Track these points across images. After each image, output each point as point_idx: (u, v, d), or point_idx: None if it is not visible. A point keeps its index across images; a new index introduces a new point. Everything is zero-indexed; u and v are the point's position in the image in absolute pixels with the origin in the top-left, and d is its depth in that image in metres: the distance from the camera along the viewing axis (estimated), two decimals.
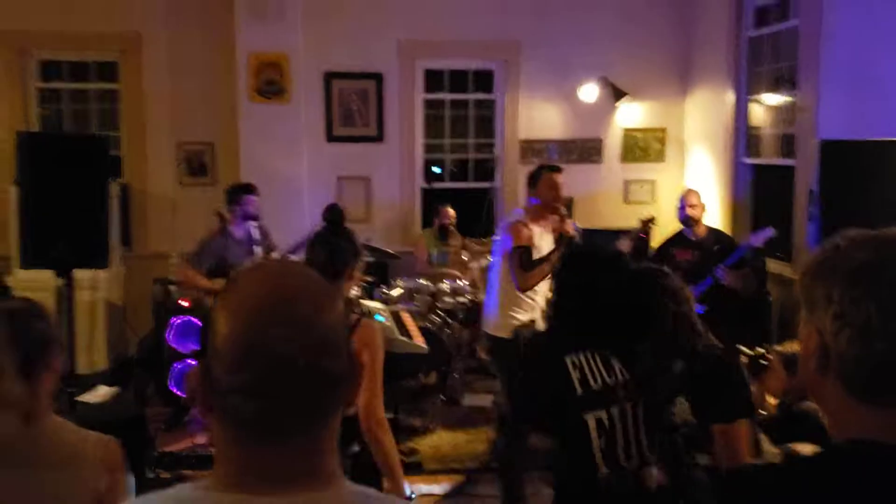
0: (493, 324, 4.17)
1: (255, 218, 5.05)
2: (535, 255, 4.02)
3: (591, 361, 2.24)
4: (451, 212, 6.25)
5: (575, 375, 2.21)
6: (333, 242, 2.52)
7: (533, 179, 4.20)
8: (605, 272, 2.28)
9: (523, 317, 4.06)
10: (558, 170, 4.21)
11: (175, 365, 5.31)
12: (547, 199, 4.12)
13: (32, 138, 4.92)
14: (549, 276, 3.84)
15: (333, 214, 2.46)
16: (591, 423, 2.21)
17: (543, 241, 4.12)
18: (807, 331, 1.02)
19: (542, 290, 4.08)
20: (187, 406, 4.95)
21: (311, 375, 0.87)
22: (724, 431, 2.13)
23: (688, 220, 5.10)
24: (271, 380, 0.86)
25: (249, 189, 5.05)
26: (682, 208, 5.13)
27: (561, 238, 4.07)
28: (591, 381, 2.22)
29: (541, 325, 4.07)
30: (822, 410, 1.07)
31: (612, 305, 2.21)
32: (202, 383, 0.90)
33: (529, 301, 4.08)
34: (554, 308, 2.42)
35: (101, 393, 4.97)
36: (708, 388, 2.18)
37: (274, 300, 0.89)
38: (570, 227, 4.07)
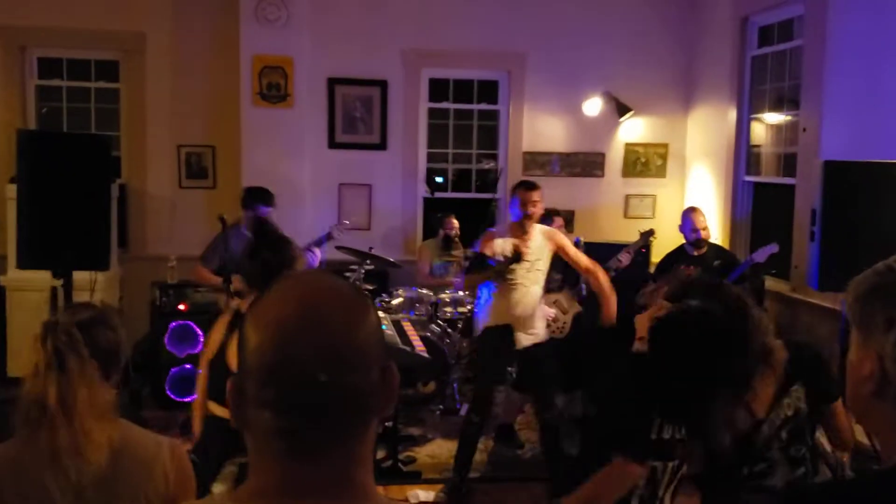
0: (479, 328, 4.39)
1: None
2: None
3: None
4: (456, 222, 6.22)
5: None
6: (263, 254, 2.51)
7: (511, 195, 4.28)
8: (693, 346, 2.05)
9: (499, 321, 4.22)
10: (530, 186, 4.20)
11: (172, 369, 5.27)
12: (519, 216, 4.17)
13: (33, 136, 4.86)
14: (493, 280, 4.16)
15: (262, 230, 2.36)
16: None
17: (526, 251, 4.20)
18: (862, 354, 1.00)
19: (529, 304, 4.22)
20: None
21: (339, 391, 0.85)
22: (836, 411, 2.19)
23: (699, 242, 5.13)
24: (298, 395, 0.84)
25: (267, 200, 5.01)
26: (691, 230, 5.15)
27: (513, 254, 4.11)
28: (664, 429, 2.17)
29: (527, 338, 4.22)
30: (870, 431, 1.05)
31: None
32: (235, 397, 0.89)
33: (511, 311, 4.19)
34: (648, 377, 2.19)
35: None
36: (815, 371, 2.22)
37: (301, 314, 0.87)
38: (524, 248, 4.13)
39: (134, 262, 6.31)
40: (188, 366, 5.18)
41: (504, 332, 4.18)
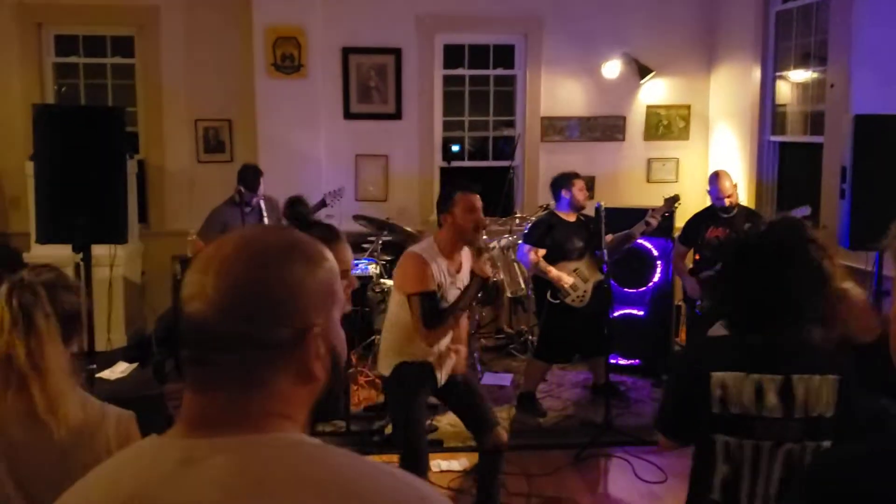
0: (381, 363, 3.48)
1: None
2: (451, 295, 3.32)
3: None
4: None
5: None
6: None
7: (444, 202, 3.40)
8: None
9: (415, 358, 3.34)
10: (476, 191, 3.42)
11: None
12: (464, 227, 3.32)
13: (48, 111, 4.85)
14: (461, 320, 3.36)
15: (296, 210, 2.12)
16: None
17: (457, 278, 3.37)
18: None
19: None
20: None
21: (230, 335, 0.87)
22: None
23: (727, 209, 5.02)
24: (193, 335, 0.89)
25: (253, 186, 5.14)
26: (717, 196, 5.02)
27: (473, 278, 3.31)
28: None
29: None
30: None
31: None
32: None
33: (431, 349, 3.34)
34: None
35: (120, 370, 4.97)
36: None
37: (210, 259, 0.90)
38: (487, 267, 3.31)
39: (155, 237, 6.34)
40: None
41: (422, 371, 3.34)
